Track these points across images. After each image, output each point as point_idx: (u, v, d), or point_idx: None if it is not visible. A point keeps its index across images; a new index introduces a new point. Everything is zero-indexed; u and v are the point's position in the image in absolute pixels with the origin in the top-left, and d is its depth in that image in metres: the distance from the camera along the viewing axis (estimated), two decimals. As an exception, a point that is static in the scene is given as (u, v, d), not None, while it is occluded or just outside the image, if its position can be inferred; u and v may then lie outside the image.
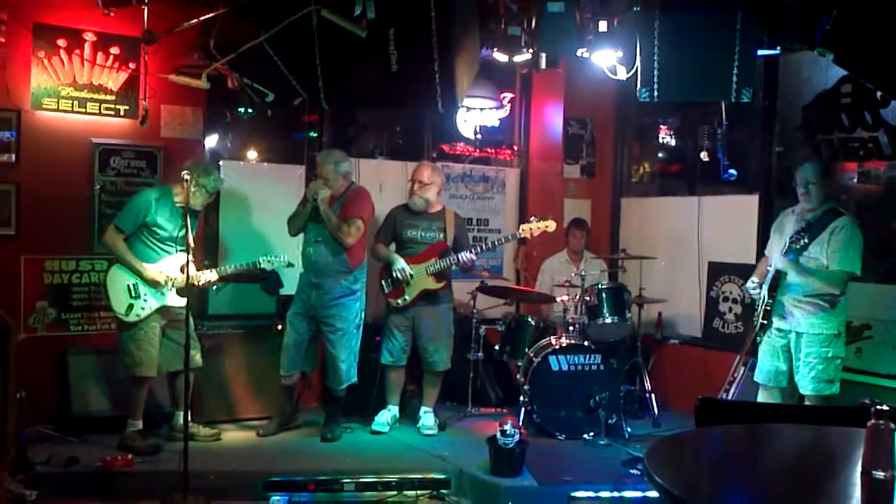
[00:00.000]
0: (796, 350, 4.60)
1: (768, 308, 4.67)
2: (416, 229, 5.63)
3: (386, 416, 5.66)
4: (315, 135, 6.52)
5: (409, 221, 5.65)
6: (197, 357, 5.13)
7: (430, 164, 5.97)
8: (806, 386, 4.54)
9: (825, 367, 4.51)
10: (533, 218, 5.67)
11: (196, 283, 5.04)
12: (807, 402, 4.55)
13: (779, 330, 4.68)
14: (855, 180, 5.72)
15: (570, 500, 4.38)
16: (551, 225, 5.62)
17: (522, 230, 5.62)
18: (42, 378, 5.17)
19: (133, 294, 4.94)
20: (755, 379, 4.86)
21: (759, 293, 4.75)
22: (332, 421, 5.49)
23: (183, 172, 4.64)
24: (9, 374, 3.58)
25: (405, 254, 5.58)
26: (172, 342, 5.04)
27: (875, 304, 5.30)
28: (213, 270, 5.16)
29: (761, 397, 4.77)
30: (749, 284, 4.91)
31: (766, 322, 4.70)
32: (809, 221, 4.58)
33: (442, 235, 5.64)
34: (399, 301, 5.55)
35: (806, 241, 4.44)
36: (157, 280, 4.94)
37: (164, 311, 5.04)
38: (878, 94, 5.16)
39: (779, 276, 4.60)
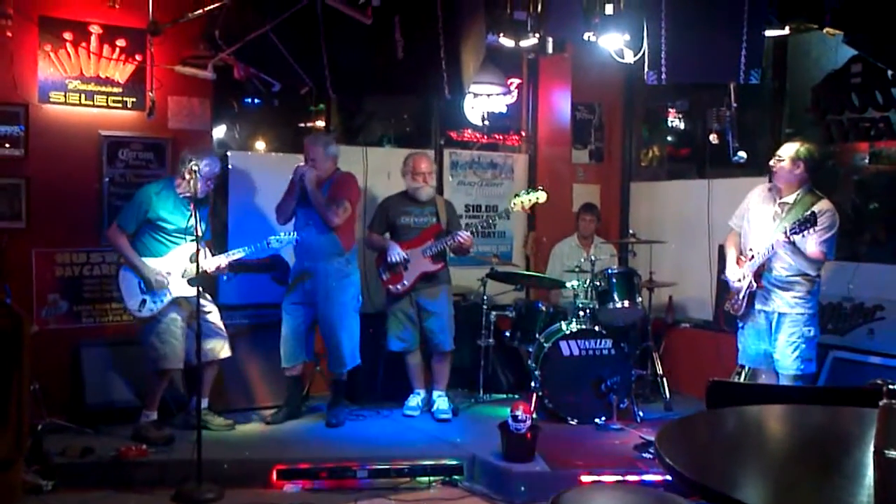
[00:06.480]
0: (776, 331, 4.64)
1: (752, 293, 4.68)
2: (410, 216, 5.68)
3: (416, 400, 5.75)
4: (322, 124, 6.52)
5: (402, 209, 5.70)
6: (225, 347, 5.17)
7: (424, 154, 5.98)
8: (790, 366, 4.59)
9: (807, 347, 4.60)
10: (522, 191, 5.68)
11: (208, 270, 5.03)
12: (783, 382, 4.59)
13: (761, 312, 4.70)
14: (866, 161, 5.68)
15: (580, 484, 4.39)
16: (542, 196, 5.59)
17: (514, 204, 5.62)
18: (55, 370, 5.19)
19: (144, 289, 4.95)
20: (740, 362, 4.90)
21: (742, 284, 4.72)
22: (336, 406, 5.51)
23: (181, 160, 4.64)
24: (23, 367, 3.61)
25: (401, 240, 5.63)
26: None
27: (887, 285, 5.26)
28: (223, 255, 5.11)
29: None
30: (732, 278, 4.82)
31: (749, 307, 4.72)
32: (789, 203, 4.61)
33: (435, 219, 5.69)
34: (398, 286, 5.58)
35: (807, 225, 4.37)
36: (151, 281, 4.91)
37: (182, 302, 5.03)
38: (889, 73, 5.12)
39: (766, 263, 4.60)
